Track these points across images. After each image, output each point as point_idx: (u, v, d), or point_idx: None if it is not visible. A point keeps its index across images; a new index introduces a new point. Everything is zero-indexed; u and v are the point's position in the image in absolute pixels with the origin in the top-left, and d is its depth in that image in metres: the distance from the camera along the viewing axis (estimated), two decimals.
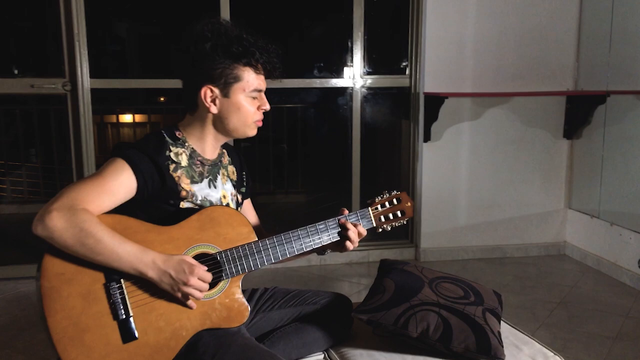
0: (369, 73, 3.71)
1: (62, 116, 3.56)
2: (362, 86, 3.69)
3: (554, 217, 3.90)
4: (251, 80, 1.43)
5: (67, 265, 1.27)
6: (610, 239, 3.50)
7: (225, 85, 1.41)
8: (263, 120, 1.51)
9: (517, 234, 3.87)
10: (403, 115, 3.87)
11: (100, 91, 3.49)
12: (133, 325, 1.29)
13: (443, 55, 3.58)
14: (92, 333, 1.26)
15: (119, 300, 1.29)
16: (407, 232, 3.85)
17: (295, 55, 4.22)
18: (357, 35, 3.60)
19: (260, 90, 1.46)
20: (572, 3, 3.66)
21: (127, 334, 1.29)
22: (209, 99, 1.42)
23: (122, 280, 1.30)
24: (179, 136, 1.46)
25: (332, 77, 3.84)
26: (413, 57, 3.66)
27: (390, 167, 4.18)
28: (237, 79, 1.41)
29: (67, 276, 1.27)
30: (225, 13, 3.38)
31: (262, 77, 1.45)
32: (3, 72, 4.31)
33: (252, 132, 1.49)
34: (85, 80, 3.33)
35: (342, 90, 3.85)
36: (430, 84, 3.60)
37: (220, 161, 1.55)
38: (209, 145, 1.49)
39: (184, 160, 1.44)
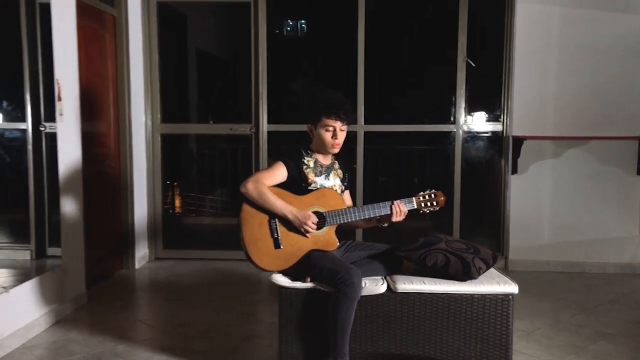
0: (468, 120, 4.82)
1: (243, 152, 5.13)
2: (463, 131, 4.80)
3: (628, 242, 4.59)
4: (326, 121, 2.69)
5: (252, 210, 2.63)
6: None
7: (315, 123, 2.72)
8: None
9: (594, 254, 4.62)
10: (496, 153, 4.88)
11: (275, 133, 5.01)
12: (280, 241, 2.62)
13: (529, 106, 4.57)
14: (261, 242, 2.61)
15: (275, 228, 2.62)
16: (499, 246, 4.80)
17: (411, 106, 5.44)
18: (459, 91, 4.75)
19: (333, 127, 2.69)
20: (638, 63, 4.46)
21: (276, 245, 2.61)
22: (309, 131, 2.74)
23: (276, 219, 2.63)
24: (309, 152, 2.79)
25: (439, 124, 5.00)
26: (505, 107, 4.70)
27: (485, 194, 5.17)
28: (319, 120, 2.69)
29: (252, 214, 2.63)
30: (360, 78, 4.75)
31: (333, 120, 2.68)
32: (202, 120, 6.10)
33: (332, 151, 2.74)
34: (264, 125, 4.89)
35: (447, 134, 4.97)
36: (517, 128, 4.60)
37: (332, 166, 2.84)
38: (321, 156, 2.79)
39: (311, 164, 2.76)
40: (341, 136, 2.73)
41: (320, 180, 2.76)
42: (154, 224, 5.00)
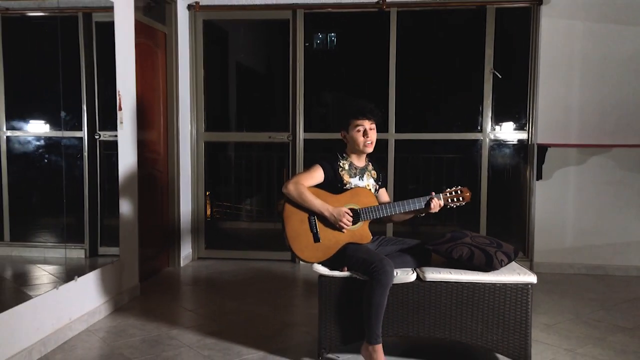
0: (495, 128, 5.06)
1: (280, 159, 5.46)
2: (490, 139, 5.05)
3: None
4: (356, 122, 2.99)
5: (293, 208, 2.94)
6: None
7: (347, 128, 3.02)
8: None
9: (617, 257, 4.80)
10: (521, 160, 5.11)
11: (309, 141, 5.32)
12: (319, 235, 2.92)
13: (553, 115, 4.80)
14: (302, 236, 2.91)
15: (314, 224, 2.93)
16: (524, 249, 5.01)
17: (441, 116, 5.71)
18: (486, 101, 5.00)
19: (362, 127, 2.98)
20: None
21: (316, 239, 2.92)
22: (343, 137, 3.05)
23: (315, 216, 2.94)
24: (345, 155, 3.09)
25: (468, 132, 5.25)
26: (530, 116, 4.93)
27: (511, 200, 5.38)
28: (349, 124, 3.00)
29: (293, 212, 2.94)
30: (392, 89, 5.04)
31: (361, 120, 2.98)
32: (241, 130, 6.46)
33: (366, 150, 3.03)
34: (301, 133, 5.21)
35: (475, 142, 5.21)
36: (541, 135, 4.83)
37: (367, 167, 3.13)
38: (355, 159, 3.09)
39: (346, 167, 3.06)
40: (372, 135, 3.03)
41: (354, 181, 3.06)
42: (197, 226, 5.36)
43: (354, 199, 2.99)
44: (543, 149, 4.76)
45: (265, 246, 5.47)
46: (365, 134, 3.01)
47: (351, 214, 2.93)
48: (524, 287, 2.76)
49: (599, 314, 3.76)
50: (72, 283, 3.38)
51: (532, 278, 2.77)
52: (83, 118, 3.98)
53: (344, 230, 2.93)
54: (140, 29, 4.33)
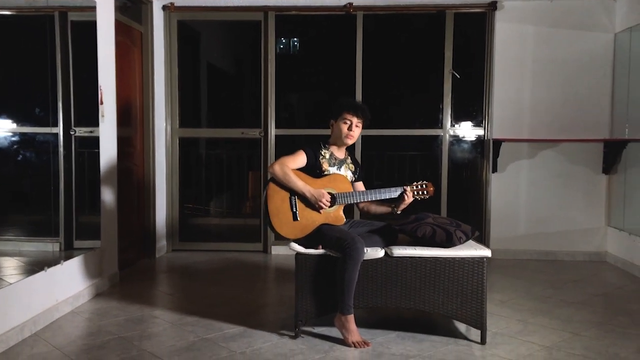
0: (454, 125, 5.42)
1: (249, 158, 5.69)
2: (450, 135, 5.40)
3: (595, 232, 5.18)
4: (345, 116, 3.28)
5: (277, 187, 3.19)
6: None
7: (336, 118, 3.30)
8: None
9: (565, 243, 5.21)
10: (478, 155, 5.48)
11: (280, 137, 5.58)
12: (297, 215, 3.18)
13: (507, 112, 5.19)
14: (282, 214, 3.17)
15: (294, 204, 3.18)
16: (481, 238, 5.36)
17: (404, 113, 6.04)
18: (446, 100, 5.35)
19: (350, 121, 3.28)
20: (606, 77, 5.10)
21: (294, 218, 3.17)
22: (331, 125, 3.32)
23: (295, 196, 3.19)
24: (327, 145, 3.37)
25: (429, 128, 5.58)
26: (486, 114, 5.31)
27: (469, 190, 5.76)
28: (340, 115, 3.29)
29: (276, 191, 3.18)
30: (358, 87, 5.35)
31: (351, 115, 3.27)
32: (218, 123, 6.67)
33: (346, 141, 3.32)
34: (272, 129, 5.47)
35: (435, 138, 5.55)
36: (496, 131, 5.20)
37: (345, 160, 3.41)
38: (336, 150, 3.37)
39: (327, 156, 3.33)
40: (356, 131, 3.32)
41: (332, 170, 3.33)
42: (172, 219, 5.55)
43: (332, 183, 3.26)
44: (498, 143, 5.14)
45: (238, 239, 5.69)
46: (350, 127, 3.30)
47: (329, 196, 3.20)
48: (479, 260, 3.08)
49: (548, 292, 4.12)
50: (58, 266, 3.54)
51: (487, 252, 3.09)
52: (59, 114, 4.10)
53: (321, 211, 3.20)
54: (118, 28, 4.51)
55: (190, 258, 5.26)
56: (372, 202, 3.37)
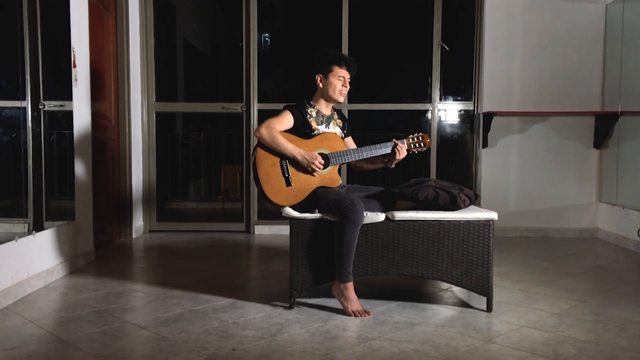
0: (443, 99, 5.27)
1: (228, 137, 5.45)
2: (439, 109, 5.25)
3: (586, 209, 5.09)
4: (338, 70, 3.08)
5: (265, 152, 2.97)
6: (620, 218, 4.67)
7: (326, 73, 3.09)
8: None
9: (556, 220, 5.11)
10: (468, 129, 5.34)
11: (263, 111, 5.35)
12: (290, 179, 2.97)
13: (497, 85, 5.05)
14: (274, 180, 2.95)
15: (285, 168, 2.97)
16: None
17: (393, 88, 5.88)
18: (435, 73, 5.20)
19: (342, 77, 3.09)
20: (598, 49, 5.00)
21: (287, 183, 2.96)
22: (318, 81, 3.11)
23: (287, 160, 2.98)
24: (312, 103, 3.16)
25: (418, 103, 5.43)
26: (476, 88, 5.17)
27: (458, 166, 5.63)
28: (331, 70, 3.08)
29: (265, 156, 2.97)
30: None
31: (345, 70, 3.08)
32: (196, 99, 6.41)
33: (339, 99, 3.13)
34: (255, 104, 5.23)
35: (424, 112, 5.40)
36: (486, 105, 5.07)
37: (333, 116, 3.21)
38: (324, 106, 3.16)
39: (314, 114, 3.12)
40: (347, 87, 3.12)
41: (322, 128, 3.12)
42: (149, 197, 5.27)
43: (323, 143, 3.05)
44: (489, 117, 5.00)
45: (219, 220, 5.45)
46: (344, 83, 3.10)
47: (322, 158, 2.99)
48: (486, 223, 2.91)
49: (545, 265, 4.00)
50: (30, 237, 3.26)
51: (493, 215, 2.93)
52: (27, 87, 3.81)
53: (315, 173, 2.99)
54: None
55: (170, 238, 5.00)
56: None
